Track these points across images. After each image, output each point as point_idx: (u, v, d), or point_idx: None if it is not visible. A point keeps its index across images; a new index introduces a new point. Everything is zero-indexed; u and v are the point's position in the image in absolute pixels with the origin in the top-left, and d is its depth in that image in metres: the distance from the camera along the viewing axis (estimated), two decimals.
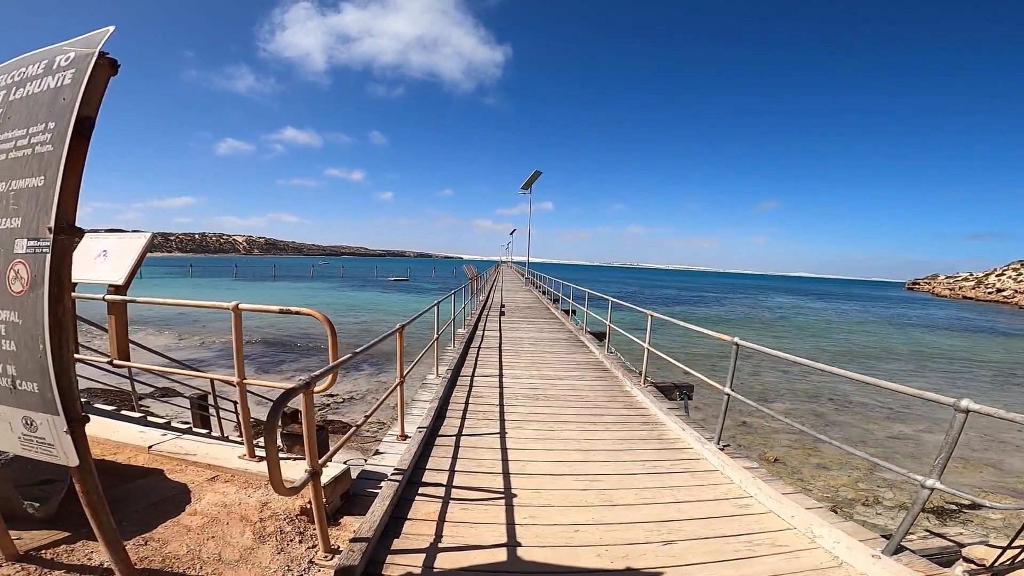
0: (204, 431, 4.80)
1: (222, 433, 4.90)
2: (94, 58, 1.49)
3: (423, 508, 3.02)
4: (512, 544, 2.66)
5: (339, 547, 2.43)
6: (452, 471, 3.57)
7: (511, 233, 67.72)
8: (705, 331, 4.82)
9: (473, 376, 6.45)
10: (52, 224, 1.46)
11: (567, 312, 14.76)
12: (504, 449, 4.00)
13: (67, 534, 2.26)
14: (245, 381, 2.99)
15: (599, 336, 10.48)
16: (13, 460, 2.13)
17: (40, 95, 1.57)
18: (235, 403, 5.41)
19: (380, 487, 3.12)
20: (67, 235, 1.48)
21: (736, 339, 3.97)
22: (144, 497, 2.73)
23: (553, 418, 4.88)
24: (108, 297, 3.25)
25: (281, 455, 2.93)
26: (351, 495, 3.04)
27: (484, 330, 10.54)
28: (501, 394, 5.63)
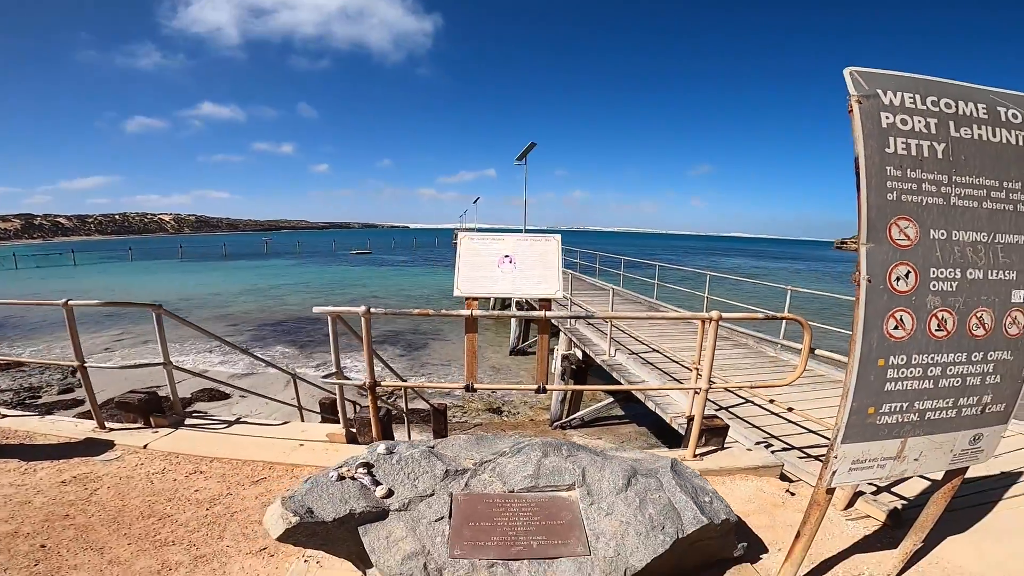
0: None
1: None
2: None
3: None
4: None
5: None
6: None
7: (474, 202, 67.68)
8: None
9: None
10: None
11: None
12: None
13: None
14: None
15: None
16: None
17: (999, 147, 1.65)
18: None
19: None
20: None
21: None
22: None
23: None
24: (550, 315, 3.22)
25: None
26: None
27: None
28: None
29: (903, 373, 1.70)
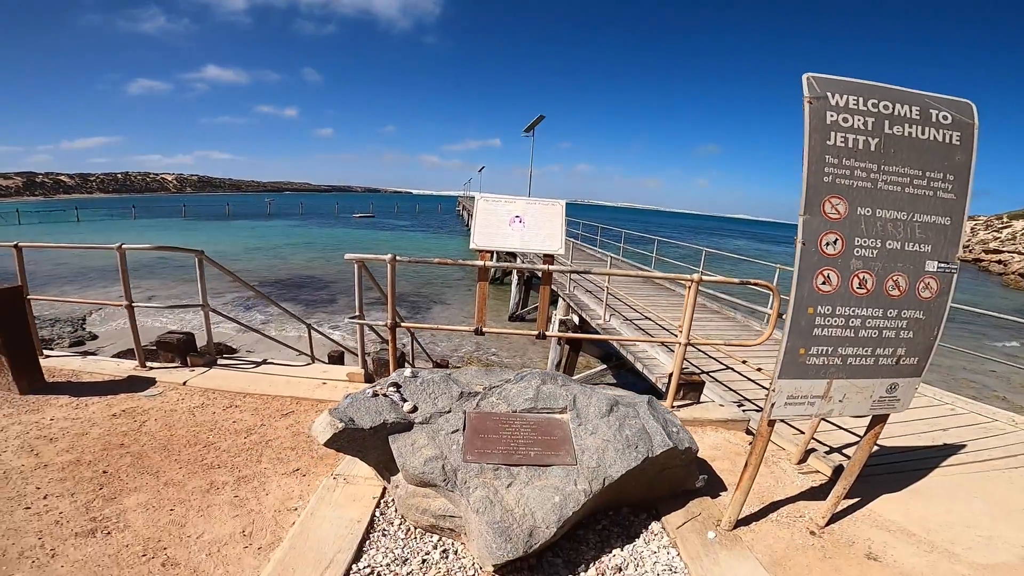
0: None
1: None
2: (975, 132, 2.02)
3: None
4: None
5: None
6: None
7: (479, 171, 68.41)
8: None
9: None
10: (959, 254, 2.11)
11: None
12: None
13: None
14: None
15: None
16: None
17: (925, 143, 1.99)
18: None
19: None
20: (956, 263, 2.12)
21: None
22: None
23: None
24: (552, 268, 3.63)
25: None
26: None
27: None
28: None
29: (829, 321, 2.07)
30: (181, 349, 4.52)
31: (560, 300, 9.89)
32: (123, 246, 3.85)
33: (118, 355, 5.75)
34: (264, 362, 4.63)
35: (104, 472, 2.74)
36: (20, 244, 4.12)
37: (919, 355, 2.21)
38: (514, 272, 15.63)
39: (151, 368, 4.27)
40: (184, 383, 3.98)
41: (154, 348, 4.64)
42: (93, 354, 5.07)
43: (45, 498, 2.49)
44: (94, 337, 13.71)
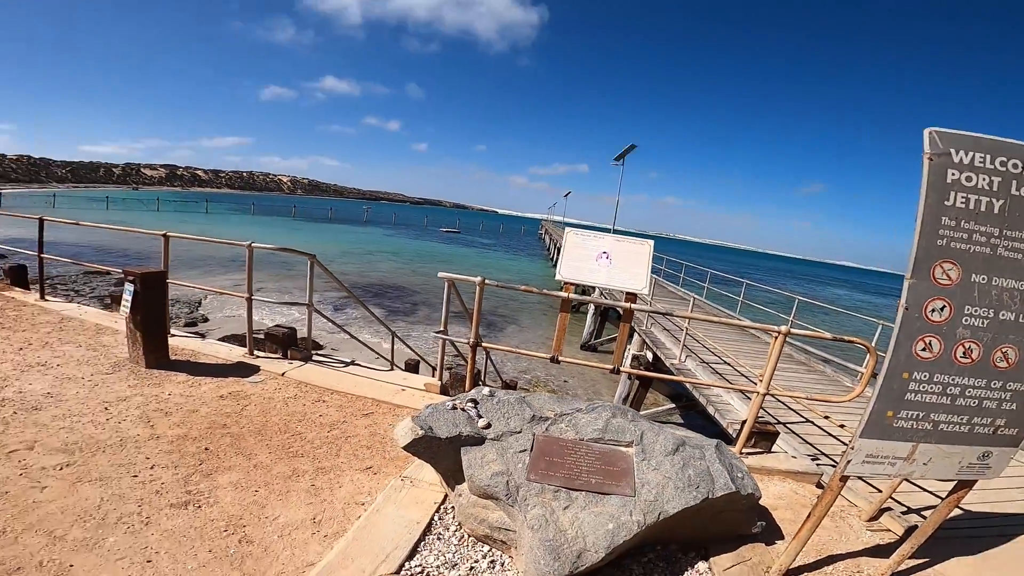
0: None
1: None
2: None
3: None
4: None
5: None
6: None
7: (565, 196, 69.80)
8: None
9: None
10: None
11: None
12: None
13: None
14: None
15: None
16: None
17: None
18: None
19: None
20: None
21: None
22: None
23: None
24: (634, 307, 3.62)
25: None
26: None
27: None
28: None
29: (924, 388, 1.96)
30: (284, 342, 5.01)
31: (636, 335, 9.72)
32: (252, 244, 4.37)
33: (224, 339, 6.44)
34: (352, 363, 4.98)
35: (206, 449, 3.00)
36: (168, 234, 4.80)
37: (1019, 426, 2.05)
38: (597, 293, 15.55)
39: (257, 356, 4.73)
40: (283, 374, 4.37)
41: (262, 338, 5.17)
42: (203, 336, 5.72)
43: (152, 468, 2.72)
44: (206, 320, 15.35)
